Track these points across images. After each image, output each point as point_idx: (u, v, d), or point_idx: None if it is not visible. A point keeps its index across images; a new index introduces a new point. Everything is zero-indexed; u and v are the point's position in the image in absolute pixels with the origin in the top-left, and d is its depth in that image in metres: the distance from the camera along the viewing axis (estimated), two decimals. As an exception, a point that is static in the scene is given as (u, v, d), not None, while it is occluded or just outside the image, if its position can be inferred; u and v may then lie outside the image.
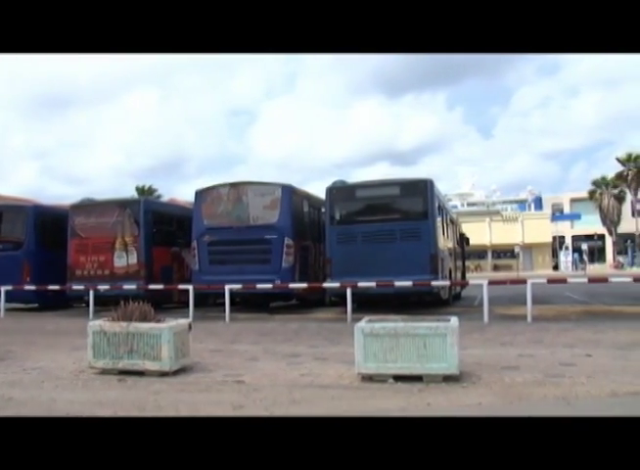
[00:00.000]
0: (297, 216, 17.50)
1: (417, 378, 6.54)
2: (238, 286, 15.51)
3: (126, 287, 16.44)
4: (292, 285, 15.97)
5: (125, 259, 17.98)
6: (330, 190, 16.78)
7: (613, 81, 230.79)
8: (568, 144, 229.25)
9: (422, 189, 15.96)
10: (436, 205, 16.32)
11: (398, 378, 6.57)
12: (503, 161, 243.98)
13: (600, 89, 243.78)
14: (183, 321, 7.98)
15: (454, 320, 6.85)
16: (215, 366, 7.96)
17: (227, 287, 15.33)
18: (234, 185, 17.64)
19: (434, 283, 14.94)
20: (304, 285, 16.00)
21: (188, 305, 15.49)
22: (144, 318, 7.54)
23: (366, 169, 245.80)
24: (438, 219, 16.61)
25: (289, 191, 17.22)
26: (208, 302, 18.44)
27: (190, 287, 15.94)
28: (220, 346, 10.14)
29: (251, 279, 15.76)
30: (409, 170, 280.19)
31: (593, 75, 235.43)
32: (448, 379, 6.52)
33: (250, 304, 18.57)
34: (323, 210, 17.73)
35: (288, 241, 16.60)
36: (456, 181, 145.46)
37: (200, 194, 17.78)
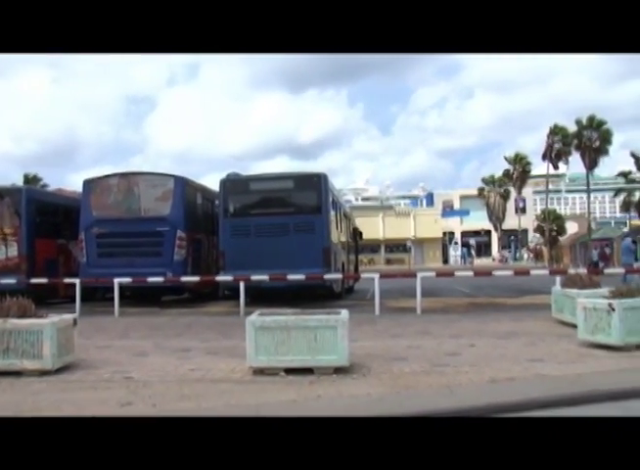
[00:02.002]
0: (191, 209, 17.19)
1: (308, 370, 6.57)
2: (128, 279, 15.03)
3: (5, 281, 15.51)
4: (184, 278, 15.67)
5: (4, 252, 17.00)
6: (224, 182, 16.59)
7: (505, 86, 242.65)
8: (461, 143, 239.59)
9: (315, 183, 16.08)
10: (330, 199, 16.49)
11: (290, 371, 6.58)
12: (400, 157, 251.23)
13: (493, 92, 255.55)
14: (68, 316, 7.62)
15: (344, 313, 6.94)
16: (102, 363, 7.66)
17: (116, 280, 14.82)
18: (124, 175, 17.09)
19: (327, 276, 15.11)
20: (197, 278, 15.73)
21: (75, 300, 14.86)
22: (23, 314, 7.11)
23: (266, 162, 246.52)
24: (332, 213, 16.79)
25: (182, 182, 16.87)
26: (97, 296, 17.75)
27: (77, 281, 15.29)
28: (108, 341, 9.79)
29: (142, 272, 15.33)
30: (309, 164, 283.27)
31: (487, 79, 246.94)
32: (339, 371, 6.59)
33: (140, 298, 18.05)
34: (217, 202, 17.51)
35: (180, 233, 16.28)
36: (354, 176, 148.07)
37: (88, 184, 17.09)
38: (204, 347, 8.93)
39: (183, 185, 16.85)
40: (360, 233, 25.54)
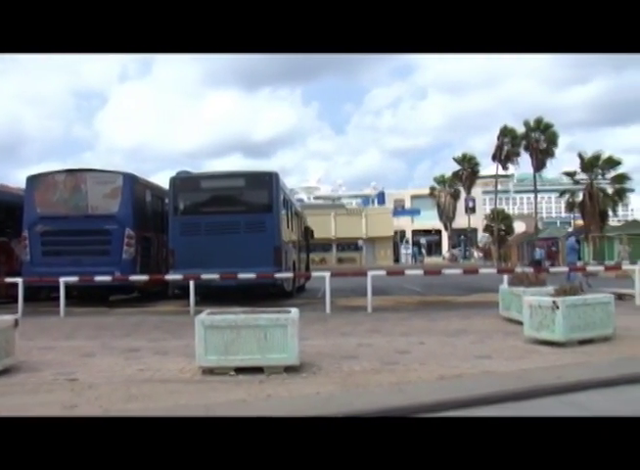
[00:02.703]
0: (140, 206, 16.91)
1: (259, 370, 6.54)
2: (74, 279, 14.67)
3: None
4: (132, 277, 15.38)
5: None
6: (174, 180, 16.38)
7: (458, 87, 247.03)
8: (414, 143, 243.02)
9: (267, 182, 16.02)
10: (281, 198, 16.45)
11: (240, 370, 6.53)
12: (354, 156, 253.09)
13: (446, 93, 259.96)
14: (8, 317, 7.40)
15: (295, 312, 6.92)
16: (46, 365, 7.44)
17: (62, 280, 14.44)
18: (71, 172, 16.69)
19: (278, 275, 15.06)
20: (146, 277, 15.46)
21: (17, 300, 14.43)
22: (-40, 315, 6.86)
23: (220, 160, 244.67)
24: (283, 212, 16.75)
25: (130, 180, 16.58)
26: (41, 296, 17.28)
27: (19, 280, 14.85)
28: (53, 342, 9.53)
29: (89, 271, 15.00)
30: (263, 163, 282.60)
31: (441, 80, 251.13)
32: (289, 369, 6.58)
33: (88, 297, 17.65)
34: (167, 200, 17.26)
35: (129, 232, 15.99)
36: (308, 175, 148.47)
37: (32, 180, 16.63)
38: (152, 347, 8.79)
39: (132, 182, 16.56)
40: (312, 232, 25.55)
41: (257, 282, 14.96)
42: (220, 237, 15.49)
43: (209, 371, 6.59)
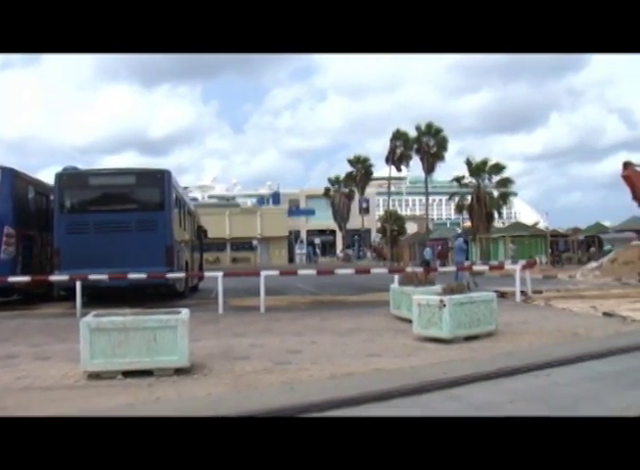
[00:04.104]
0: (21, 203, 16.01)
1: (148, 372, 6.36)
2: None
3: None
4: (11, 278, 14.51)
5: None
6: (59, 176, 15.64)
7: (356, 90, 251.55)
8: (312, 144, 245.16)
9: (159, 180, 15.63)
10: (174, 196, 16.11)
11: (128, 373, 6.33)
12: (252, 156, 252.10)
13: (345, 96, 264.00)
14: None
15: (185, 312, 6.78)
16: None
17: None
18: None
19: (170, 275, 14.73)
20: (27, 278, 14.63)
21: None
22: None
23: (113, 157, 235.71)
24: (175, 211, 16.41)
25: (10, 175, 15.66)
26: None
27: None
28: None
29: None
30: (159, 160, 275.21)
31: (340, 83, 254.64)
32: (180, 371, 6.45)
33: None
34: (52, 197, 16.45)
35: (8, 230, 15.11)
36: (206, 174, 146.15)
37: None
38: (33, 352, 8.33)
39: (12, 177, 15.64)
40: (205, 231, 25.20)
41: (148, 282, 14.57)
42: (110, 236, 14.95)
43: (95, 376, 6.34)
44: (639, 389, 5.64)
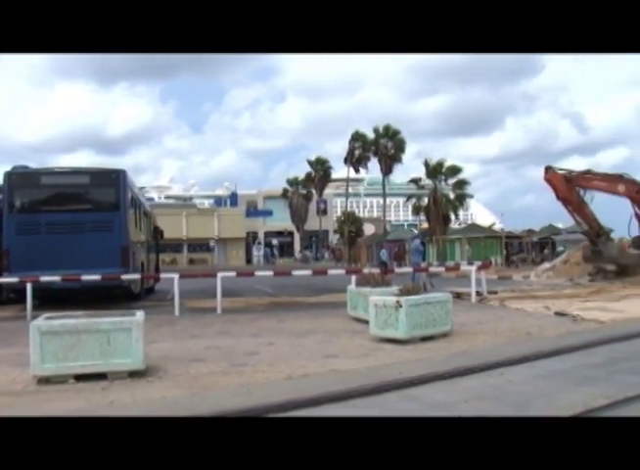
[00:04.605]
0: None
1: (102, 376, 6.25)
2: None
3: None
4: (-46, 282, 14.08)
5: None
6: (9, 175, 15.23)
7: (316, 92, 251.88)
8: (271, 145, 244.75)
9: (114, 180, 15.35)
10: (129, 196, 15.85)
11: (81, 377, 6.20)
12: (211, 156, 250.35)
13: (305, 97, 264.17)
14: None
15: (140, 314, 6.68)
16: None
17: None
18: None
19: (125, 277, 14.49)
20: (-29, 281, 14.21)
21: None
22: None
23: (68, 156, 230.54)
24: (131, 211, 16.15)
25: None
26: None
27: None
28: None
29: None
30: (116, 160, 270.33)
31: (300, 84, 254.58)
32: (134, 374, 6.36)
33: None
34: (1, 197, 16.00)
35: None
36: (162, 174, 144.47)
37: None
38: (-21, 357, 8.08)
39: None
40: (162, 232, 24.89)
41: (103, 284, 14.29)
42: (63, 237, 14.62)
43: (46, 380, 6.19)
44: (588, 386, 5.77)
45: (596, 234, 23.09)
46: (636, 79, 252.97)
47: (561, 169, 23.99)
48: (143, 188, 58.11)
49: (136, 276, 15.78)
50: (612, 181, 23.05)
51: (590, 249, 23.89)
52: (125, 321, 6.41)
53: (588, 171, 23.96)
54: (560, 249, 41.09)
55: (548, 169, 23.61)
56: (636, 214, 23.00)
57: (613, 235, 26.65)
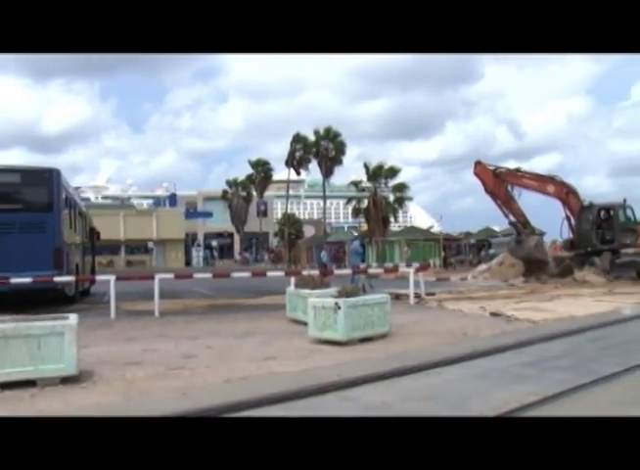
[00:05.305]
0: None
1: (31, 383, 6.02)
2: None
3: None
4: None
5: None
6: None
7: (259, 93, 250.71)
8: (213, 145, 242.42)
9: (47, 179, 14.86)
10: (63, 196, 15.38)
11: (8, 385, 5.94)
12: (151, 156, 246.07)
13: (247, 98, 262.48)
14: None
15: (73, 318, 6.48)
16: None
17: None
18: None
19: (58, 279, 14.06)
20: None
21: None
22: None
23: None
24: (65, 212, 15.68)
25: None
26: None
27: None
28: None
29: None
30: (51, 159, 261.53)
31: (243, 85, 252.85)
32: (67, 380, 6.16)
33: None
34: None
35: None
36: (102, 174, 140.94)
37: None
38: None
39: None
40: (98, 233, 24.31)
41: (35, 287, 13.80)
42: None
43: (-34, 390, 5.91)
44: (520, 384, 5.92)
45: (523, 225, 24.12)
46: (569, 88, 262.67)
47: (490, 165, 25.01)
48: (79, 188, 56.71)
49: (70, 279, 15.33)
50: (542, 181, 24.16)
51: (515, 239, 25.14)
52: (57, 325, 6.20)
53: (518, 169, 25.09)
54: (491, 251, 42.28)
55: (478, 164, 24.77)
56: (567, 217, 23.93)
57: (546, 237, 27.76)
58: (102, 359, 7.47)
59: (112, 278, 13.87)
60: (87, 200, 74.76)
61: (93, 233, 23.40)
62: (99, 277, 17.23)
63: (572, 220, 23.94)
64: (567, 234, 24.49)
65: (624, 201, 24.39)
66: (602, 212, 23.95)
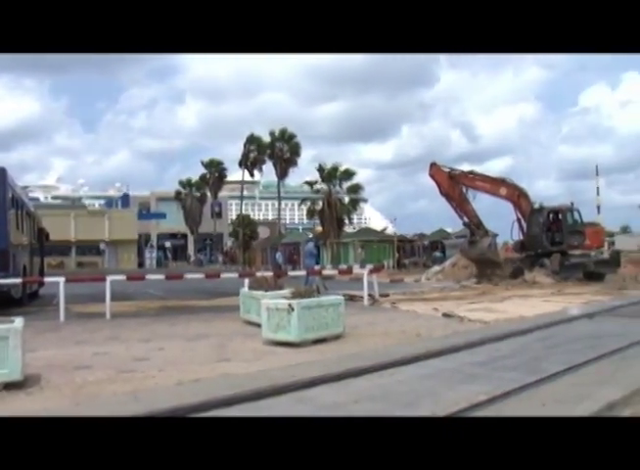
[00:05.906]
0: None
1: (-27, 389, 5.84)
2: None
3: None
4: None
5: None
6: None
7: (215, 94, 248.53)
8: (168, 146, 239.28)
9: None
10: (10, 196, 14.97)
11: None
12: (104, 156, 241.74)
13: (204, 99, 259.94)
14: None
15: (19, 321, 6.31)
16: None
17: None
18: None
19: (3, 281, 13.67)
20: None
21: None
22: None
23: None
24: (12, 212, 15.26)
25: None
26: None
27: None
28: None
29: None
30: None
31: (199, 86, 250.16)
32: (11, 386, 5.97)
33: None
34: None
35: None
36: (52, 173, 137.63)
37: None
38: None
39: None
40: (47, 234, 23.75)
41: None
42: None
43: None
44: (471, 383, 6.01)
45: (476, 226, 24.52)
46: (520, 93, 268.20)
47: (445, 167, 25.26)
48: (27, 187, 55.39)
49: (17, 281, 14.92)
50: (495, 184, 24.61)
51: (468, 239, 25.52)
52: (1, 329, 6.01)
53: (471, 172, 25.46)
54: (436, 254, 43.07)
55: (433, 166, 25.00)
56: (518, 219, 24.42)
57: (498, 239, 28.26)
58: (50, 364, 7.30)
59: (61, 280, 13.56)
60: (36, 200, 73.07)
61: (42, 234, 22.83)
62: (48, 279, 16.85)
63: (523, 222, 24.40)
64: (517, 236, 24.96)
65: (572, 204, 25.11)
66: (551, 215, 24.48)
